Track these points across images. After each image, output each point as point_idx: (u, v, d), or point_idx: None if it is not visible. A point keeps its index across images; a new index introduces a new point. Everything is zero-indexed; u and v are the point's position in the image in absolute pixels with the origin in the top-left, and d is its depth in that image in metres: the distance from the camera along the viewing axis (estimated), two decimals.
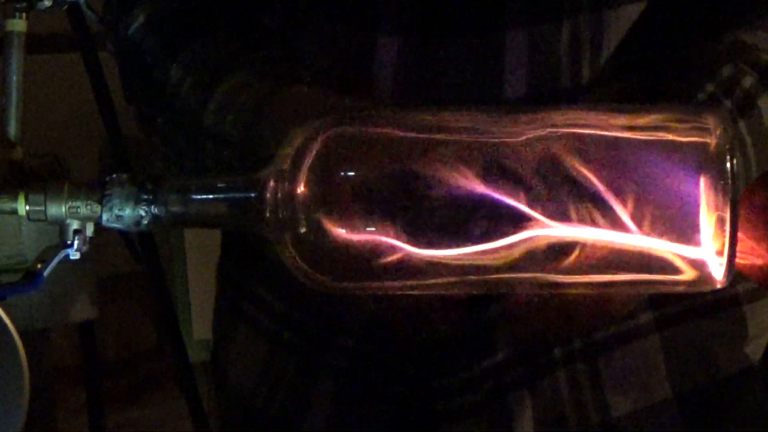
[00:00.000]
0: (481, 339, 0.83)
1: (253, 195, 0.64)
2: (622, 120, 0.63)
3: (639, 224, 0.60)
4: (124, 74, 0.90)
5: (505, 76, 0.79)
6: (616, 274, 0.62)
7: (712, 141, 0.60)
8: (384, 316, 0.81)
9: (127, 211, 0.63)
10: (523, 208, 0.61)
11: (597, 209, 0.60)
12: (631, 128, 0.62)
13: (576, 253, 0.62)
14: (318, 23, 0.83)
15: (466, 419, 0.84)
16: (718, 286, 0.62)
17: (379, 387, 0.87)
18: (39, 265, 0.64)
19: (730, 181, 0.59)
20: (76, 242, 0.64)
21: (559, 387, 0.84)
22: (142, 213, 0.63)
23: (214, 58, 0.83)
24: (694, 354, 0.86)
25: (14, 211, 0.63)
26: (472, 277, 0.64)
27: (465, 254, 0.63)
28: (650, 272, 0.62)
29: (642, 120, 0.62)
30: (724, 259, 0.60)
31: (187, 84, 0.82)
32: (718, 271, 0.61)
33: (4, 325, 0.61)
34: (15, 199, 0.63)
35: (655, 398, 0.85)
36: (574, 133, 0.62)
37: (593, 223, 0.61)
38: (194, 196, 0.64)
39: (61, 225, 0.64)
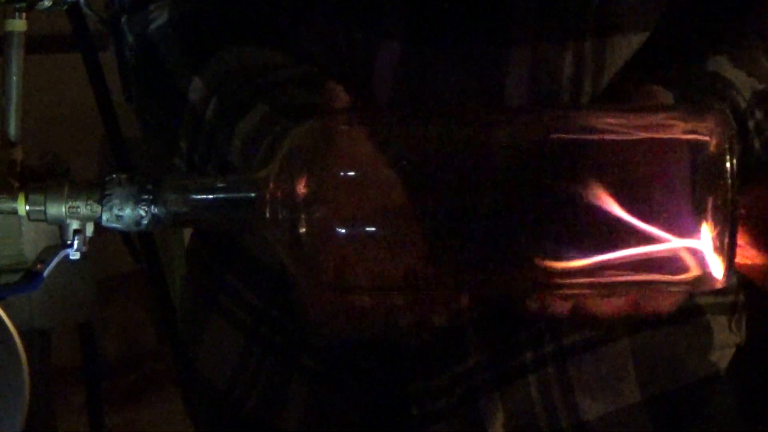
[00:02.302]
0: (453, 344, 0.83)
1: (253, 195, 0.64)
2: (622, 120, 0.63)
3: (638, 223, 0.60)
4: (124, 73, 0.89)
5: (506, 91, 0.79)
6: (616, 274, 0.62)
7: (711, 141, 0.60)
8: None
9: (127, 211, 0.63)
10: (527, 207, 0.61)
11: (596, 209, 0.61)
12: (630, 128, 0.62)
13: (576, 252, 0.62)
14: (323, 21, 0.83)
15: (439, 424, 0.85)
16: (718, 286, 0.62)
17: (352, 390, 0.87)
18: (39, 265, 0.64)
19: (729, 181, 0.59)
20: (76, 242, 0.64)
21: (530, 391, 0.84)
22: (142, 213, 0.63)
23: (237, 78, 0.82)
24: (662, 359, 0.87)
25: (14, 211, 0.63)
26: (471, 280, 0.64)
27: (466, 255, 0.63)
28: (650, 272, 0.62)
29: (641, 120, 0.62)
30: (724, 259, 0.60)
31: (211, 108, 0.81)
32: (718, 271, 0.61)
33: (4, 325, 0.61)
34: (15, 199, 0.63)
35: (624, 402, 0.86)
36: (573, 134, 0.62)
37: (593, 222, 0.61)
38: (194, 196, 0.64)
39: (61, 225, 0.64)
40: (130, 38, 0.87)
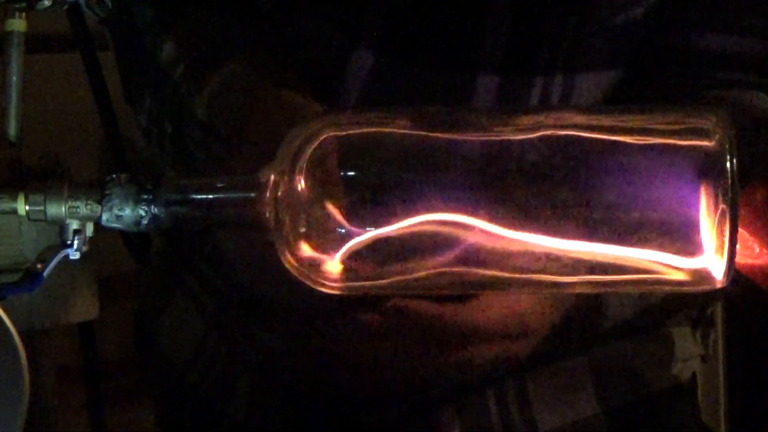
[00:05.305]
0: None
1: (253, 195, 0.64)
2: (622, 120, 0.63)
3: (639, 224, 0.60)
4: (124, 72, 0.89)
5: None
6: (617, 273, 0.62)
7: (711, 140, 0.60)
8: (308, 318, 0.81)
9: (127, 211, 0.63)
10: (525, 207, 0.61)
11: (596, 210, 0.60)
12: (630, 129, 0.62)
13: (576, 252, 0.62)
14: (303, 18, 0.83)
15: None
16: (719, 286, 0.62)
17: (295, 391, 0.86)
18: (39, 265, 0.64)
19: (730, 181, 0.59)
20: (76, 242, 0.64)
21: (488, 403, 0.84)
22: (142, 213, 0.63)
23: (209, 39, 0.82)
24: (621, 373, 0.87)
25: (14, 211, 0.63)
26: (472, 277, 0.64)
27: (466, 254, 0.63)
28: (651, 272, 0.62)
29: (641, 120, 0.62)
30: (724, 259, 0.60)
31: (181, 67, 0.81)
32: (718, 271, 0.61)
33: (4, 325, 0.61)
34: (15, 199, 0.63)
35: (582, 414, 0.86)
36: (571, 134, 0.62)
37: (593, 223, 0.61)
38: (194, 197, 0.64)
39: (61, 225, 0.64)
40: (109, 3, 0.87)
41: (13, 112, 0.66)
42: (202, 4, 0.85)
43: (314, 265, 0.64)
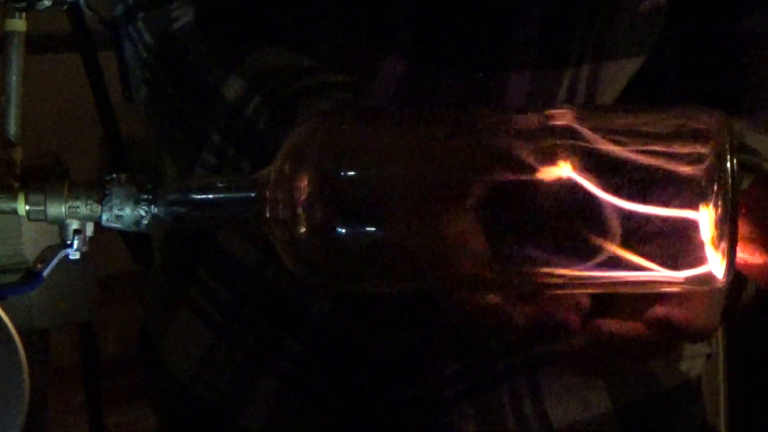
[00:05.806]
0: (427, 354, 0.84)
1: (253, 195, 0.64)
2: (620, 121, 0.63)
3: (639, 223, 0.60)
4: (124, 73, 0.88)
5: None
6: (617, 272, 0.62)
7: (711, 140, 0.60)
8: (334, 324, 0.81)
9: (127, 211, 0.63)
10: (524, 208, 0.61)
11: (596, 209, 0.60)
12: (629, 128, 0.62)
13: (575, 253, 0.62)
14: (330, 28, 0.83)
15: None
16: (719, 285, 0.62)
17: (322, 395, 0.87)
18: (39, 265, 0.64)
19: (729, 181, 0.59)
20: (76, 242, 0.64)
21: (502, 399, 0.85)
22: (142, 213, 0.63)
23: (278, 73, 0.81)
24: (632, 370, 0.87)
25: (14, 211, 0.63)
26: (469, 276, 0.64)
27: (465, 255, 0.63)
28: (651, 271, 0.62)
29: (640, 119, 0.62)
30: (725, 258, 0.60)
31: (254, 104, 0.80)
32: (718, 270, 0.61)
33: (4, 325, 0.61)
34: (15, 199, 0.63)
35: (595, 411, 0.86)
36: (571, 138, 0.62)
37: (594, 221, 0.61)
38: (194, 196, 0.64)
39: (61, 225, 0.64)
40: (148, 37, 0.86)
41: (13, 112, 0.66)
42: (258, 39, 0.83)
43: (313, 266, 0.64)
